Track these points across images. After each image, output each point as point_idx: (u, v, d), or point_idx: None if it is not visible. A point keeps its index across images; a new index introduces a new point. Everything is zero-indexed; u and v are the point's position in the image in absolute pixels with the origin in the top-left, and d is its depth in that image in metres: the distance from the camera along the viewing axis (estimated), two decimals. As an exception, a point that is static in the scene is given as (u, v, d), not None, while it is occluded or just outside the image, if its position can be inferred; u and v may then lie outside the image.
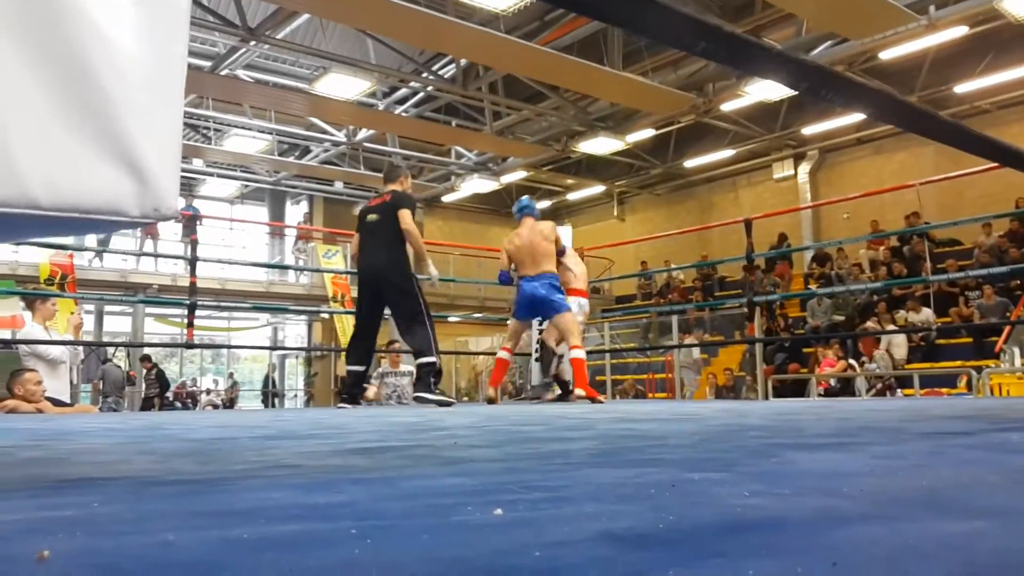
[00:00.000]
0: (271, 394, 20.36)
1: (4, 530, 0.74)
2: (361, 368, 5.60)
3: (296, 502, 0.93)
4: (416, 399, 5.43)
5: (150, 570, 0.57)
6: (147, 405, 14.11)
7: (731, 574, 0.54)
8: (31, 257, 15.11)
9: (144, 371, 14.86)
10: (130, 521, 0.81)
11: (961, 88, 14.43)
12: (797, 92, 1.69)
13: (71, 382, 6.32)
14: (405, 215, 5.35)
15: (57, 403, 5.33)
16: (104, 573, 0.56)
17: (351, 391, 5.62)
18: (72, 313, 7.83)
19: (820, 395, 10.73)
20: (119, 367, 14.73)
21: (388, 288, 5.34)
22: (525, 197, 6.79)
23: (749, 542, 0.64)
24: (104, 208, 1.10)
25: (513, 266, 6.32)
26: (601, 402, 5.87)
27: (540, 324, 8.43)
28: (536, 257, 6.11)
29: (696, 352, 13.95)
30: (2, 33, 1.00)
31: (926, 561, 0.58)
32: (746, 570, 0.54)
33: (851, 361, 11.62)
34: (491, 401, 6.07)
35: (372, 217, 5.50)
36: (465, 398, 17.22)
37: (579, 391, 5.80)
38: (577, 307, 6.61)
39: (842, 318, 13.08)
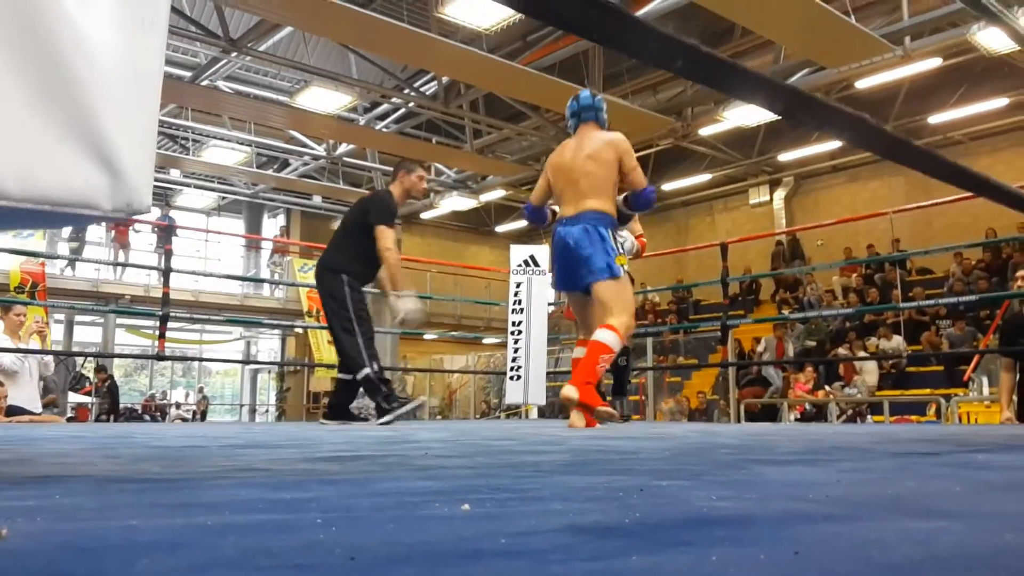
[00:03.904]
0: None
1: (-38, 515, 0.73)
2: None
3: (263, 498, 0.92)
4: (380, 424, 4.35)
5: (110, 549, 0.56)
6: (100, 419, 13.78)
7: (694, 559, 0.54)
8: (1, 264, 14.89)
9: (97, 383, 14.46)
10: (92, 509, 0.80)
11: (935, 119, 14.69)
12: (772, 113, 1.72)
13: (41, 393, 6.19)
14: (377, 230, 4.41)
15: (23, 412, 5.24)
16: (63, 550, 0.55)
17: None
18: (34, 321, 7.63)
19: (797, 419, 10.77)
20: (87, 378, 14.47)
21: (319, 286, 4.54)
22: (586, 92, 4.39)
23: (714, 535, 0.65)
24: (76, 201, 1.08)
25: (552, 201, 4.20)
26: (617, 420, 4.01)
27: (516, 335, 7.90)
28: (579, 186, 3.85)
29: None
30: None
31: (887, 551, 0.59)
32: (709, 556, 0.54)
33: (826, 387, 11.70)
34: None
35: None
36: (439, 416, 17.11)
37: (568, 388, 3.56)
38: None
39: (814, 344, 13.18)
